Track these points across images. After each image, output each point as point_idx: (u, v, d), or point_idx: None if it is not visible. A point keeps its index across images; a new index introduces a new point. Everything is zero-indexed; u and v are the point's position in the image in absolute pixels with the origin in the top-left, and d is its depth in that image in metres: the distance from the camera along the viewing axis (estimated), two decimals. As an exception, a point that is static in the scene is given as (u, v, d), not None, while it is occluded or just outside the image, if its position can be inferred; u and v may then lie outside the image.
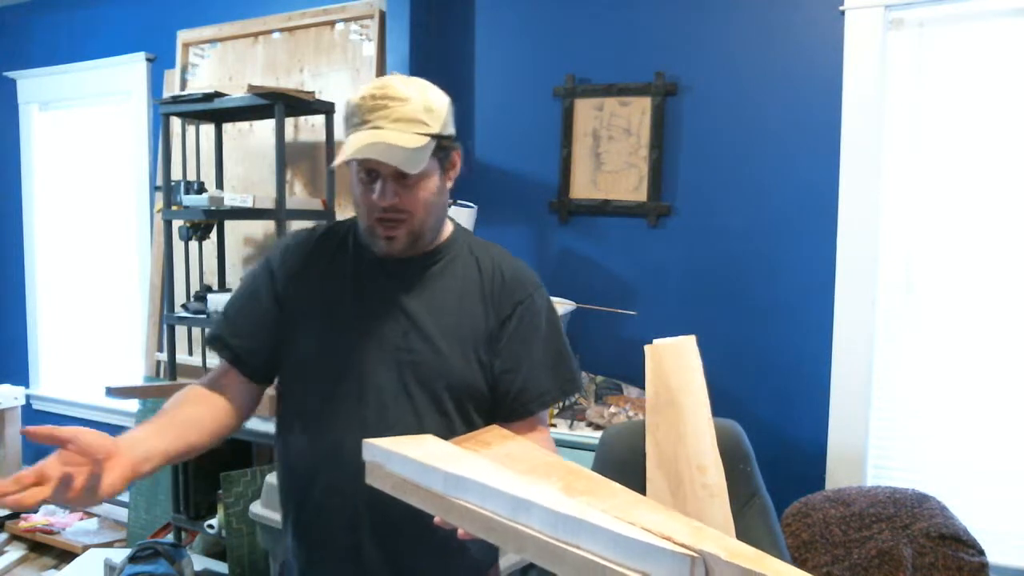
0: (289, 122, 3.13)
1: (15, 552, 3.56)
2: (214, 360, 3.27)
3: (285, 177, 2.77)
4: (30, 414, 4.12)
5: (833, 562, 1.98)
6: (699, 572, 0.75)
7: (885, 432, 2.38)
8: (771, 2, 2.46)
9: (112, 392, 2.89)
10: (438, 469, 0.95)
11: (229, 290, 3.14)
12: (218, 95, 2.82)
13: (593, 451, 1.98)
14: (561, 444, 2.18)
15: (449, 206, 1.34)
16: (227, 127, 3.27)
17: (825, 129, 2.38)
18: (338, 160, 1.19)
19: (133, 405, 3.54)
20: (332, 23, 3.10)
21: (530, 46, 2.85)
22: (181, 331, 3.37)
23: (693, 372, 1.93)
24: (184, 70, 3.48)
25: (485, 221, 2.72)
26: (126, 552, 2.81)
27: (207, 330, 1.34)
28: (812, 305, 2.42)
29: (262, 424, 2.45)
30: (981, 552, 1.95)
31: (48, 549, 3.58)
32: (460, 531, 0.94)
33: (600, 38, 2.72)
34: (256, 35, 3.29)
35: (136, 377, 3.68)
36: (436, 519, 0.96)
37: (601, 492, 0.96)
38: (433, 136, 1.19)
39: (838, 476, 2.37)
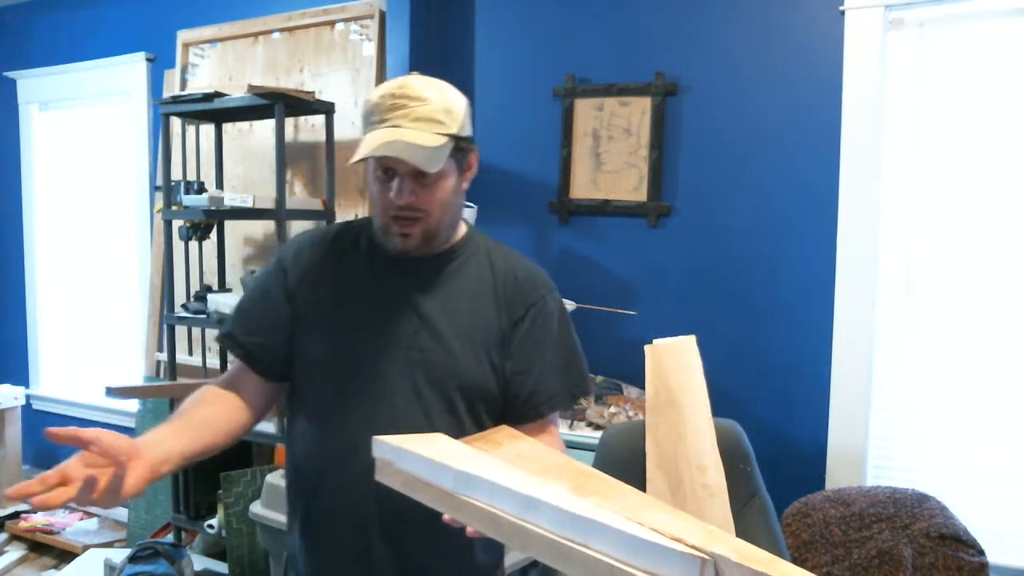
0: (289, 122, 3.13)
1: (15, 552, 3.56)
2: (214, 360, 3.28)
3: (285, 177, 2.77)
4: (30, 414, 4.12)
5: (833, 562, 1.98)
6: (709, 574, 0.75)
7: (885, 432, 2.38)
8: (771, 2, 2.46)
9: (112, 392, 2.89)
10: (448, 467, 0.95)
11: (229, 290, 3.14)
12: (218, 95, 2.82)
13: (593, 451, 1.98)
14: (561, 444, 2.17)
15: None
16: (227, 127, 3.27)
17: (825, 129, 2.38)
18: (356, 157, 1.18)
19: (133, 405, 3.54)
20: (332, 23, 3.10)
21: (530, 46, 2.85)
22: (181, 331, 3.36)
23: (693, 372, 1.93)
24: (184, 70, 3.48)
25: (485, 221, 2.72)
26: (126, 552, 2.81)
27: (219, 328, 1.35)
28: (812, 305, 2.42)
29: (262, 424, 2.45)
30: (981, 552, 1.95)
31: (48, 549, 3.58)
32: (469, 529, 0.94)
33: (600, 38, 2.72)
34: (256, 35, 3.29)
35: (136, 377, 3.68)
36: (445, 517, 0.96)
37: (612, 493, 0.96)
38: (451, 136, 1.20)
39: (838, 476, 2.36)
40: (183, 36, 3.48)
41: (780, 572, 0.74)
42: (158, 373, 3.63)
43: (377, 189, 1.24)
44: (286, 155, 2.78)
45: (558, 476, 1.01)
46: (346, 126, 3.02)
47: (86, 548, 3.38)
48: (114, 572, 2.76)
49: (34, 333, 4.31)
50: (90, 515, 3.81)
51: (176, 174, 3.28)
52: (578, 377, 1.35)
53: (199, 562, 2.89)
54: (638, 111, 2.65)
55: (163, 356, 3.47)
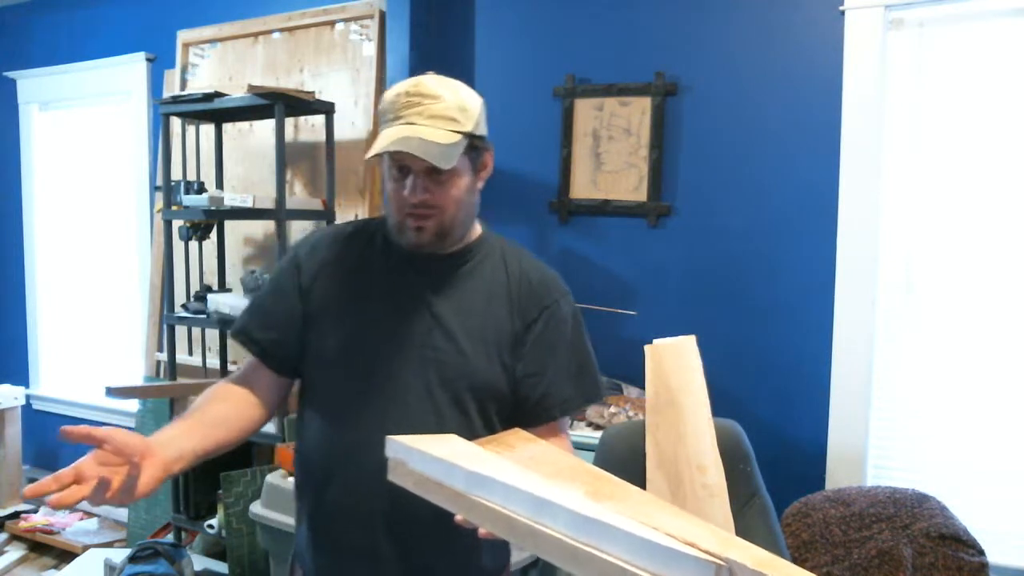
0: (289, 122, 3.13)
1: (15, 552, 3.56)
2: (214, 360, 3.28)
3: (285, 177, 2.77)
4: (30, 414, 4.12)
5: (833, 562, 1.98)
6: None
7: (885, 432, 2.38)
8: (771, 2, 2.46)
9: (112, 392, 2.90)
10: (461, 468, 0.95)
11: (229, 290, 3.14)
12: (218, 95, 2.82)
13: (593, 451, 1.98)
14: (561, 444, 2.17)
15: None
16: (227, 127, 3.27)
17: (825, 129, 2.38)
18: (370, 153, 1.19)
19: (133, 405, 3.54)
20: (332, 23, 3.10)
21: (530, 46, 2.85)
22: (181, 331, 3.36)
23: (693, 372, 1.93)
24: (184, 70, 3.48)
25: (485, 221, 2.71)
26: (126, 552, 2.81)
27: (233, 324, 1.35)
28: (812, 305, 2.42)
29: (262, 424, 2.45)
30: (981, 552, 1.95)
31: (48, 549, 3.58)
32: (481, 530, 0.94)
33: (600, 38, 2.72)
34: (256, 35, 3.29)
35: (136, 377, 3.68)
36: (457, 517, 0.96)
37: (626, 497, 0.95)
38: (465, 135, 1.20)
39: (838, 476, 2.36)
40: (183, 36, 3.48)
41: None
42: (158, 373, 3.63)
43: (392, 187, 1.24)
44: (286, 155, 2.78)
45: (571, 479, 1.01)
46: (346, 126, 3.02)
47: (86, 548, 3.38)
48: (114, 572, 2.76)
49: (34, 333, 4.31)
50: (90, 515, 3.81)
51: (176, 174, 3.28)
52: (590, 382, 1.34)
53: (199, 562, 2.89)
54: (638, 111, 2.65)
55: (163, 356, 3.47)
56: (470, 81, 2.92)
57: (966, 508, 2.09)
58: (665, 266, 2.64)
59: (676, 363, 1.94)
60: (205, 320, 2.92)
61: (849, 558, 1.97)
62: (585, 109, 2.74)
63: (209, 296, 2.94)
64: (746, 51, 2.50)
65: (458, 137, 1.19)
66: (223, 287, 3.20)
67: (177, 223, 3.10)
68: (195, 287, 3.20)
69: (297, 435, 1.36)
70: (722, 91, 2.54)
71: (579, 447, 2.28)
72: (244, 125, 3.28)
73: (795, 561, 2.01)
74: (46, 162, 4.25)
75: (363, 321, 1.28)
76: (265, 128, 3.20)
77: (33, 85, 4.17)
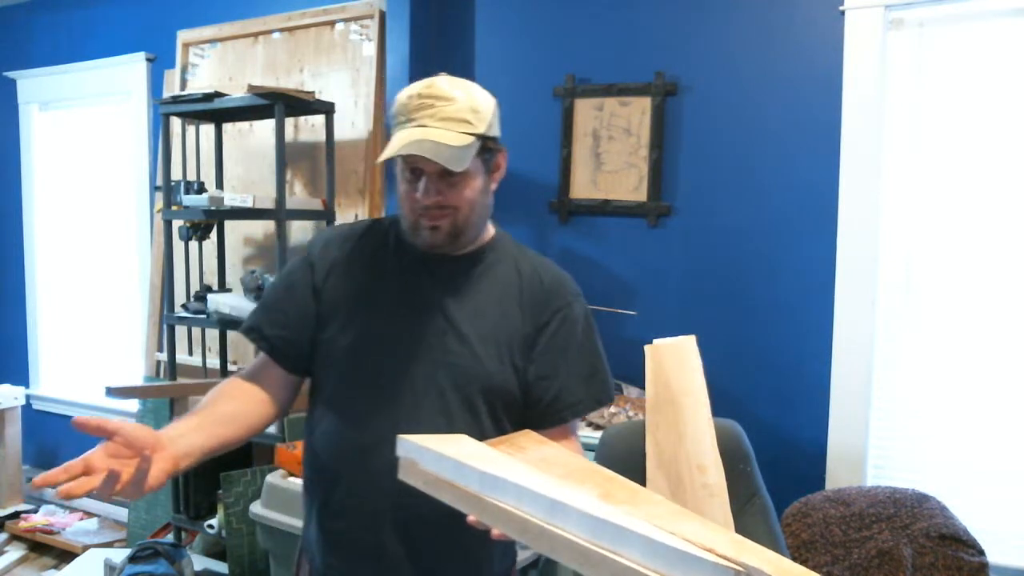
0: (289, 122, 3.13)
1: (15, 552, 3.56)
2: (214, 360, 3.28)
3: (285, 177, 2.77)
4: (30, 414, 4.12)
5: (833, 562, 1.98)
6: None
7: (885, 432, 2.38)
8: (771, 2, 2.46)
9: (112, 392, 2.90)
10: (474, 468, 0.94)
11: (229, 290, 3.14)
12: (218, 95, 2.82)
13: (593, 451, 1.98)
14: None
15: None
16: (227, 127, 3.27)
17: (825, 129, 2.38)
18: (383, 156, 1.18)
19: (133, 405, 3.54)
20: (332, 23, 3.10)
21: (530, 46, 2.85)
22: (181, 331, 3.37)
23: (693, 372, 1.94)
24: (184, 70, 3.48)
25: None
26: (126, 552, 2.81)
27: (244, 321, 1.35)
28: (812, 305, 2.42)
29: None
30: (981, 552, 1.95)
31: (48, 549, 3.58)
32: (494, 531, 0.93)
33: (600, 38, 2.72)
34: (256, 35, 3.29)
35: (136, 377, 3.68)
36: (470, 518, 0.95)
37: (641, 501, 0.95)
38: (478, 136, 1.20)
39: (838, 476, 2.37)
40: (183, 36, 3.48)
41: None
42: (158, 373, 3.63)
43: (404, 189, 1.24)
44: (286, 155, 2.78)
45: (583, 481, 1.00)
46: (346, 126, 3.02)
47: (86, 548, 3.38)
48: (114, 572, 2.76)
49: (34, 333, 4.31)
50: (90, 515, 3.81)
51: (176, 174, 3.28)
52: (601, 384, 1.34)
53: (199, 562, 2.89)
54: (638, 111, 2.65)
55: (163, 356, 3.47)
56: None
57: (966, 508, 2.10)
58: (665, 266, 2.64)
59: (676, 363, 1.94)
60: (205, 320, 2.92)
61: (849, 558, 1.97)
62: (585, 109, 2.74)
63: (209, 296, 2.94)
64: (746, 51, 2.50)
65: (471, 139, 1.18)
66: (223, 287, 3.20)
67: (177, 223, 3.10)
68: (195, 287, 3.20)
69: (306, 433, 1.36)
70: (722, 91, 2.54)
71: (579, 447, 2.28)
72: (244, 125, 3.29)
73: (795, 561, 2.01)
74: (46, 162, 4.25)
75: (376, 321, 1.28)
76: (265, 128, 3.20)
77: (33, 85, 4.17)
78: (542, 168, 2.81)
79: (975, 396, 2.26)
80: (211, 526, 2.83)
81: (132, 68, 3.75)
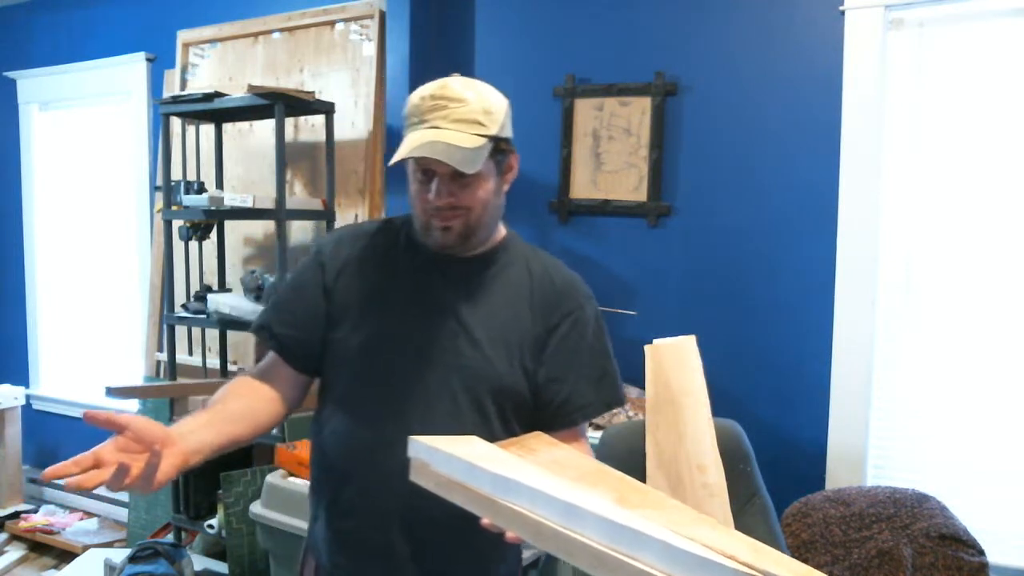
0: (289, 122, 3.13)
1: (15, 552, 3.57)
2: (214, 360, 3.28)
3: (285, 177, 2.77)
4: (30, 414, 4.12)
5: (833, 562, 1.98)
6: None
7: (885, 432, 2.38)
8: (771, 2, 2.46)
9: (112, 392, 2.89)
10: (487, 470, 0.94)
11: (229, 290, 3.14)
12: (218, 95, 2.82)
13: (593, 451, 1.98)
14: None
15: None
16: (227, 127, 3.27)
17: (825, 129, 2.38)
18: (395, 158, 1.18)
19: (133, 405, 3.54)
20: (332, 23, 3.10)
21: (530, 46, 2.85)
22: (181, 331, 3.36)
23: (693, 372, 1.94)
24: (184, 70, 3.48)
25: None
26: (126, 552, 2.81)
27: (255, 320, 1.36)
28: (812, 305, 2.42)
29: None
30: (981, 552, 1.95)
31: (48, 549, 3.58)
32: (509, 534, 0.92)
33: (600, 38, 2.72)
34: (256, 35, 3.29)
35: (136, 377, 3.68)
36: (484, 521, 0.95)
37: (656, 505, 0.94)
38: (491, 138, 1.20)
39: (838, 476, 2.37)
40: (183, 36, 3.48)
41: None
42: (158, 373, 3.63)
43: (416, 189, 1.24)
44: (286, 155, 2.78)
45: (596, 484, 1.00)
46: (346, 126, 3.02)
47: (86, 548, 3.38)
48: (114, 572, 2.76)
49: (34, 333, 4.30)
50: (90, 515, 3.81)
51: (176, 174, 3.28)
52: (612, 387, 1.34)
53: (199, 562, 2.89)
54: (638, 111, 2.65)
55: (163, 356, 3.47)
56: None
57: (966, 508, 2.10)
58: (665, 266, 2.64)
59: (676, 363, 1.94)
60: (205, 320, 2.92)
61: (849, 558, 1.97)
62: (585, 109, 2.74)
63: (209, 296, 2.94)
64: (746, 51, 2.50)
65: (483, 141, 1.18)
66: (223, 287, 3.20)
67: (177, 223, 3.10)
68: (195, 287, 3.20)
69: (314, 432, 1.36)
70: (722, 91, 2.54)
71: (579, 447, 2.28)
72: (244, 125, 3.28)
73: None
74: (46, 162, 4.25)
75: (388, 321, 1.28)
76: (265, 128, 3.20)
77: (33, 85, 4.17)
78: (542, 168, 2.81)
79: (975, 396, 2.26)
80: (211, 526, 2.83)
81: (132, 68, 3.75)
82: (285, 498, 2.28)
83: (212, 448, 1.14)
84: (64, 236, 4.23)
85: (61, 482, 0.96)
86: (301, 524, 2.15)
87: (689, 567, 0.76)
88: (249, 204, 2.70)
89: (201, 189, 2.98)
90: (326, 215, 2.89)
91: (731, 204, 2.54)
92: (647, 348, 1.97)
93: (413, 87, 1.28)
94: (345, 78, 3.06)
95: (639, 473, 1.85)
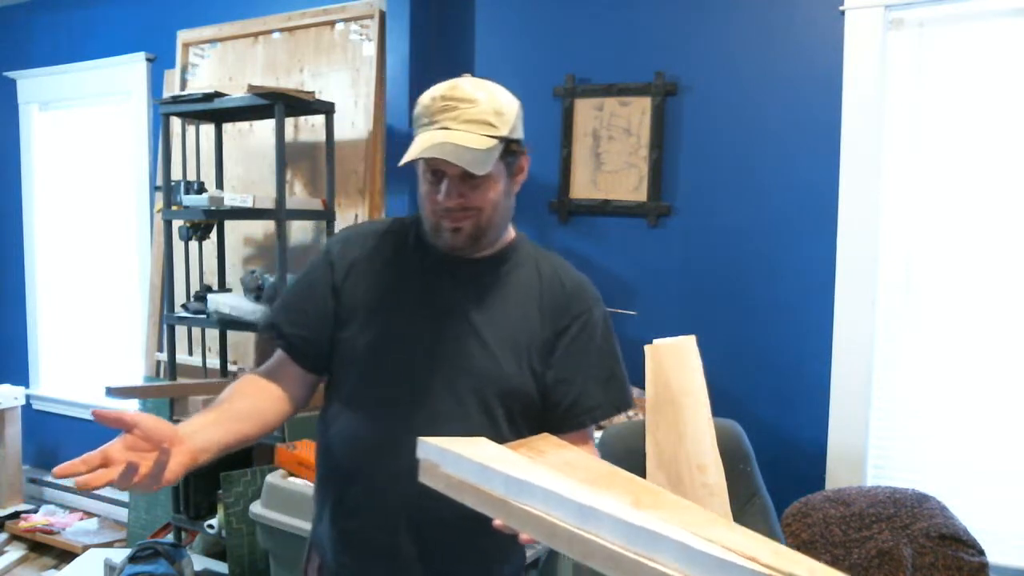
0: (289, 122, 3.13)
1: (15, 552, 3.57)
2: (214, 360, 3.28)
3: (285, 177, 2.77)
4: (30, 414, 4.12)
5: (833, 562, 1.98)
6: None
7: (885, 432, 2.38)
8: (771, 2, 2.46)
9: (112, 392, 2.89)
10: (500, 472, 0.93)
11: (229, 290, 3.14)
12: (218, 95, 2.82)
13: (593, 451, 1.98)
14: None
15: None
16: (227, 127, 3.27)
17: (825, 129, 2.38)
18: (405, 159, 1.18)
19: (133, 406, 3.54)
20: (332, 23, 3.10)
21: (530, 46, 2.85)
22: (181, 331, 3.36)
23: (693, 372, 1.94)
24: (184, 70, 3.48)
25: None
26: (126, 552, 2.81)
27: (263, 319, 1.36)
28: (812, 305, 2.42)
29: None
30: (981, 552, 1.95)
31: (48, 549, 3.58)
32: (523, 536, 0.92)
33: (600, 38, 2.72)
34: (256, 35, 3.29)
35: (136, 377, 3.68)
36: (496, 522, 0.94)
37: (671, 506, 0.94)
38: (501, 139, 1.19)
39: (838, 476, 2.37)
40: (183, 36, 3.48)
41: None
42: (158, 373, 3.63)
43: (426, 191, 1.24)
44: (286, 155, 2.78)
45: (608, 486, 0.99)
46: (346, 126, 3.02)
47: (86, 548, 3.38)
48: (114, 572, 2.76)
49: (34, 333, 4.31)
50: (90, 515, 3.81)
51: (176, 174, 3.28)
52: (620, 389, 1.34)
53: (199, 562, 2.89)
54: (638, 111, 2.65)
55: (163, 356, 3.47)
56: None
57: (966, 508, 2.09)
58: (665, 266, 2.64)
59: (676, 363, 1.94)
60: (205, 320, 2.92)
61: (849, 558, 1.97)
62: (585, 109, 2.74)
63: (209, 296, 2.94)
64: (746, 51, 2.50)
65: (493, 142, 1.18)
66: (223, 287, 3.20)
67: (177, 223, 3.10)
68: (195, 287, 3.20)
69: (321, 430, 1.36)
70: (722, 91, 2.54)
71: (579, 447, 2.28)
72: (244, 125, 3.29)
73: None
74: (46, 162, 4.25)
75: (397, 321, 1.28)
76: (265, 128, 3.20)
77: (33, 85, 4.17)
78: (542, 168, 2.81)
79: (975, 396, 2.26)
80: (211, 526, 2.83)
81: (132, 68, 3.75)
82: (285, 498, 2.28)
83: (220, 446, 1.14)
84: (64, 236, 4.23)
85: (68, 481, 0.96)
86: (301, 524, 2.15)
87: (709, 568, 0.75)
88: (249, 204, 2.70)
89: (201, 189, 2.98)
90: (326, 215, 2.89)
91: (731, 204, 2.54)
92: (647, 348, 1.97)
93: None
94: (345, 78, 3.06)
95: (639, 473, 1.85)
